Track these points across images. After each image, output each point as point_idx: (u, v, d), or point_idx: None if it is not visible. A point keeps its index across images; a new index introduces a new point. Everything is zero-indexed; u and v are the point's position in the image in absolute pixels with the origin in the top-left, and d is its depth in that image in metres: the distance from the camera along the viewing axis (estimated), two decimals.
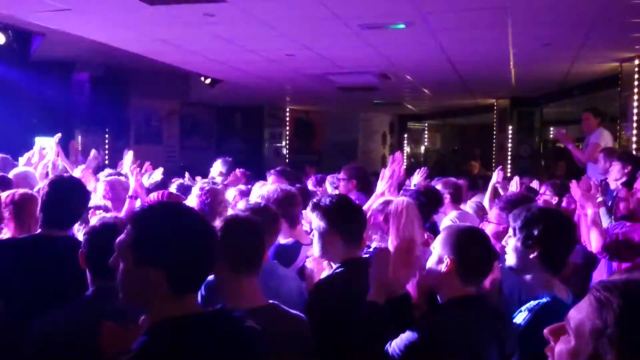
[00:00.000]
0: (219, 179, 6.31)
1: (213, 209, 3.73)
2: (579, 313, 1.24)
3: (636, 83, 7.97)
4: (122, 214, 3.88)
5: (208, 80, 10.40)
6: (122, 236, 1.65)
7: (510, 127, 12.94)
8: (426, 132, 19.93)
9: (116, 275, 1.66)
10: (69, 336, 2.15)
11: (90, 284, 2.39)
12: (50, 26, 6.73)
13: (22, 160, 5.57)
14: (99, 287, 2.35)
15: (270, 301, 2.26)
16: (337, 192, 5.34)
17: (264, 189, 3.83)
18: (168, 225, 1.62)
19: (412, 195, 3.93)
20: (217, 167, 6.51)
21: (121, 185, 4.46)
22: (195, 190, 3.94)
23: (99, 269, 2.33)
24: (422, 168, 5.76)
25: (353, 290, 2.43)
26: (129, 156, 5.84)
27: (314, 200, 2.89)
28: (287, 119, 15.59)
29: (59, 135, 5.86)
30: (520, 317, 2.35)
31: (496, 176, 5.71)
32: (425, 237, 3.28)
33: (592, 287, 1.24)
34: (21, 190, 3.51)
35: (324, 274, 2.91)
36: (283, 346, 2.08)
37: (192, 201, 3.85)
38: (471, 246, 2.31)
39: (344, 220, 2.76)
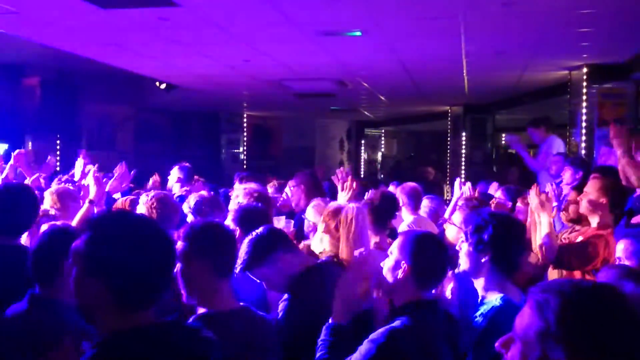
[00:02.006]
0: (177, 186, 6.23)
1: (164, 216, 3.69)
2: (521, 319, 1.28)
3: (584, 90, 8.21)
4: (74, 222, 3.80)
5: (163, 86, 10.26)
6: (77, 242, 1.61)
7: (463, 134, 13.18)
8: (383, 138, 20.12)
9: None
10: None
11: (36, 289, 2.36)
12: None
13: None
14: (39, 295, 2.32)
15: (242, 304, 2.33)
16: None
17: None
18: (120, 238, 1.57)
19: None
20: (175, 174, 6.41)
21: (69, 195, 4.37)
22: (143, 199, 3.89)
23: (40, 276, 2.34)
24: (370, 190, 5.46)
25: (316, 308, 2.44)
26: (79, 163, 5.73)
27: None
28: (245, 124, 15.50)
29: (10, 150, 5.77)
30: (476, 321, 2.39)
31: (458, 187, 5.36)
32: (388, 242, 3.30)
33: (529, 292, 1.27)
34: None
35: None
36: (256, 346, 2.21)
37: (141, 209, 3.79)
38: (427, 252, 2.33)
39: (281, 238, 2.82)
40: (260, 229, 2.86)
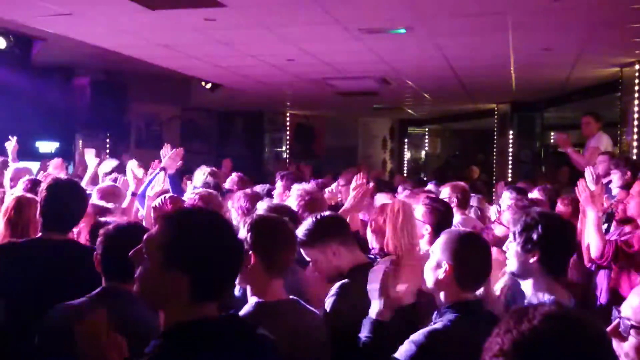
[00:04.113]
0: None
1: None
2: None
3: (636, 88, 7.96)
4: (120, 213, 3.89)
5: (209, 85, 10.41)
6: (153, 233, 1.62)
7: (511, 132, 12.91)
8: (426, 137, 19.92)
9: (134, 273, 1.63)
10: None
11: (103, 282, 2.40)
12: (51, 31, 6.74)
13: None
14: (109, 287, 2.35)
15: (291, 297, 2.35)
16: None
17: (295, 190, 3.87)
18: (205, 232, 1.60)
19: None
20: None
21: (119, 190, 4.47)
22: (188, 195, 3.92)
23: (111, 271, 2.36)
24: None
25: (361, 303, 2.42)
26: (132, 164, 5.84)
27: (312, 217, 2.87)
28: (288, 123, 15.58)
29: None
30: None
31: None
32: None
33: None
34: (18, 194, 3.50)
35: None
36: (305, 337, 2.22)
37: None
38: (470, 252, 2.29)
39: (340, 229, 2.77)
40: (327, 212, 2.87)
